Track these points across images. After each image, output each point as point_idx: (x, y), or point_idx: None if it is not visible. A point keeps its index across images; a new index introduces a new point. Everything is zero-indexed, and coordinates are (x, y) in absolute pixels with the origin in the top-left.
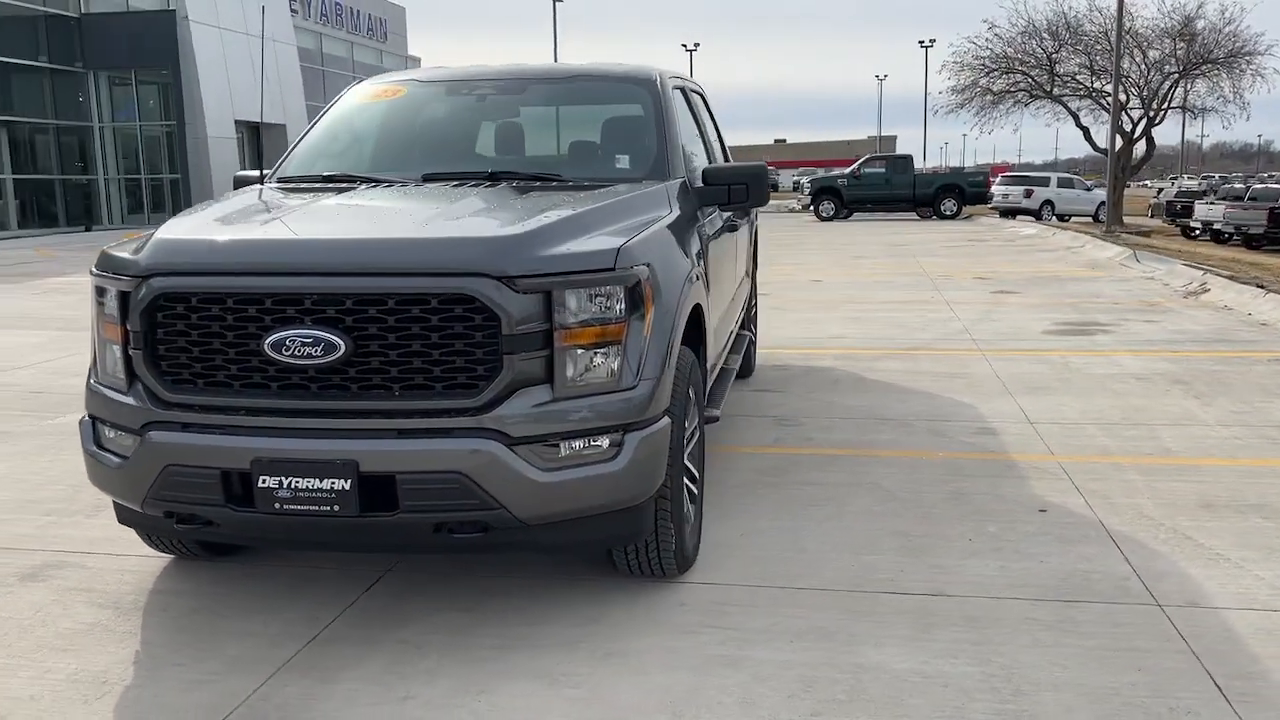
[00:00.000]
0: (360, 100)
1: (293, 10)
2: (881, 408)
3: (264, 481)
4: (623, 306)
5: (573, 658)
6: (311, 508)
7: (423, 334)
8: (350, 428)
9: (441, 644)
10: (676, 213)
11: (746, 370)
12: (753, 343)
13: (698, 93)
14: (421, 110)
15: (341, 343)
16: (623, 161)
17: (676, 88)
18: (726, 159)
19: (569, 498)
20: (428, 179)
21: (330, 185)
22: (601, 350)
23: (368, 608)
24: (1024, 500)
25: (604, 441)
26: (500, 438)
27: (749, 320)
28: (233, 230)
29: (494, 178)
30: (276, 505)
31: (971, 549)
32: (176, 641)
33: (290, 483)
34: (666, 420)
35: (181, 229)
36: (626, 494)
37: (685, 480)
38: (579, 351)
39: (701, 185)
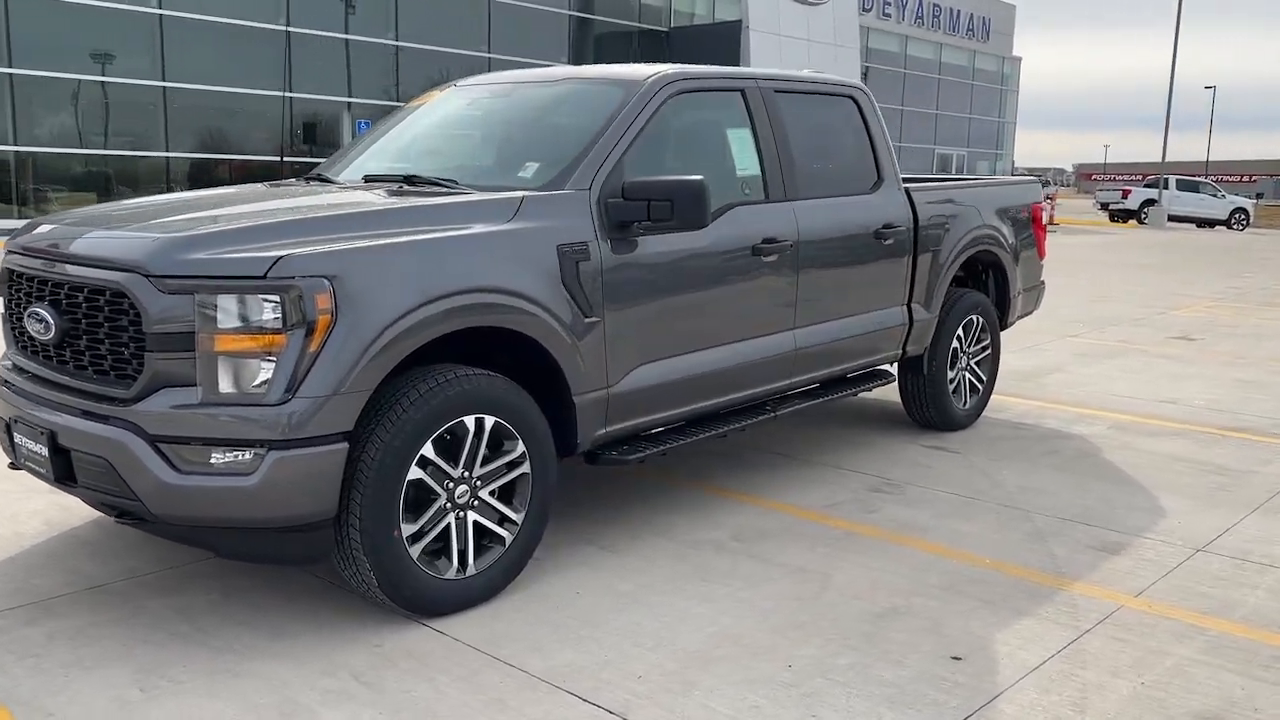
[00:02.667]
0: (414, 103)
1: (884, 14)
2: (1045, 496)
3: (15, 436)
4: (278, 318)
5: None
6: (34, 467)
7: (98, 324)
8: (56, 400)
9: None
10: (506, 227)
11: (948, 419)
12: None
13: (794, 91)
14: (433, 113)
15: (53, 322)
16: (529, 170)
17: (691, 90)
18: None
19: (201, 504)
20: (368, 179)
21: (310, 182)
22: (251, 360)
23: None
24: None
25: (245, 454)
26: (139, 432)
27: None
28: (58, 217)
29: (410, 180)
30: (21, 459)
31: None
32: None
33: (24, 441)
34: (339, 446)
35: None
36: (264, 512)
37: (468, 516)
38: (225, 358)
39: (620, 200)
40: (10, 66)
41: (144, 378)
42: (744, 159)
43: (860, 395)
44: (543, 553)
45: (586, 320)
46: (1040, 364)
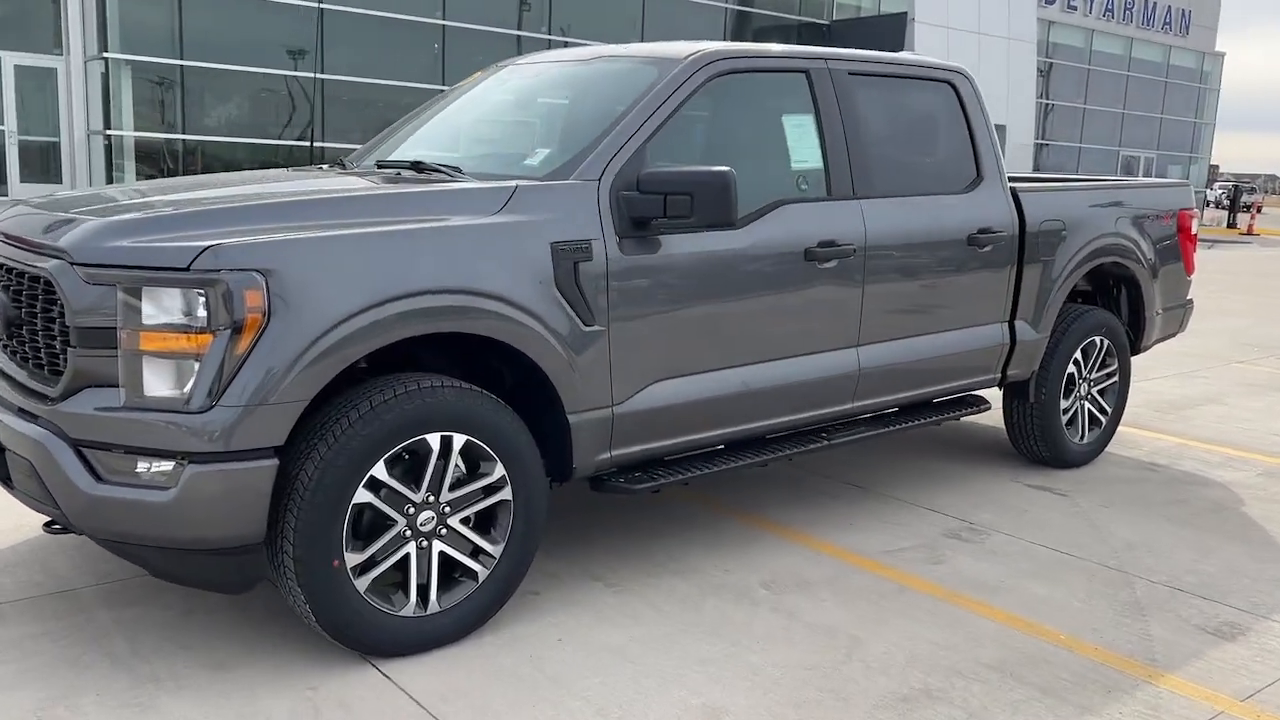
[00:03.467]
0: (460, 84)
1: (1069, 7)
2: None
3: None
4: (204, 315)
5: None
6: None
7: (34, 314)
8: (3, 395)
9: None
10: (489, 220)
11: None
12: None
13: (875, 74)
14: (469, 96)
15: (3, 310)
16: (538, 157)
17: (739, 70)
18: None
19: (118, 519)
20: (380, 165)
21: (326, 168)
22: (174, 362)
23: None
24: None
25: (165, 466)
26: (61, 434)
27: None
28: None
29: (416, 166)
30: None
31: None
32: None
33: None
34: (266, 462)
35: None
36: (182, 532)
37: (433, 546)
38: (149, 358)
39: (635, 193)
40: (181, 59)
41: (67, 376)
42: (803, 150)
43: (966, 421)
44: (542, 583)
45: (586, 329)
46: (1192, 393)
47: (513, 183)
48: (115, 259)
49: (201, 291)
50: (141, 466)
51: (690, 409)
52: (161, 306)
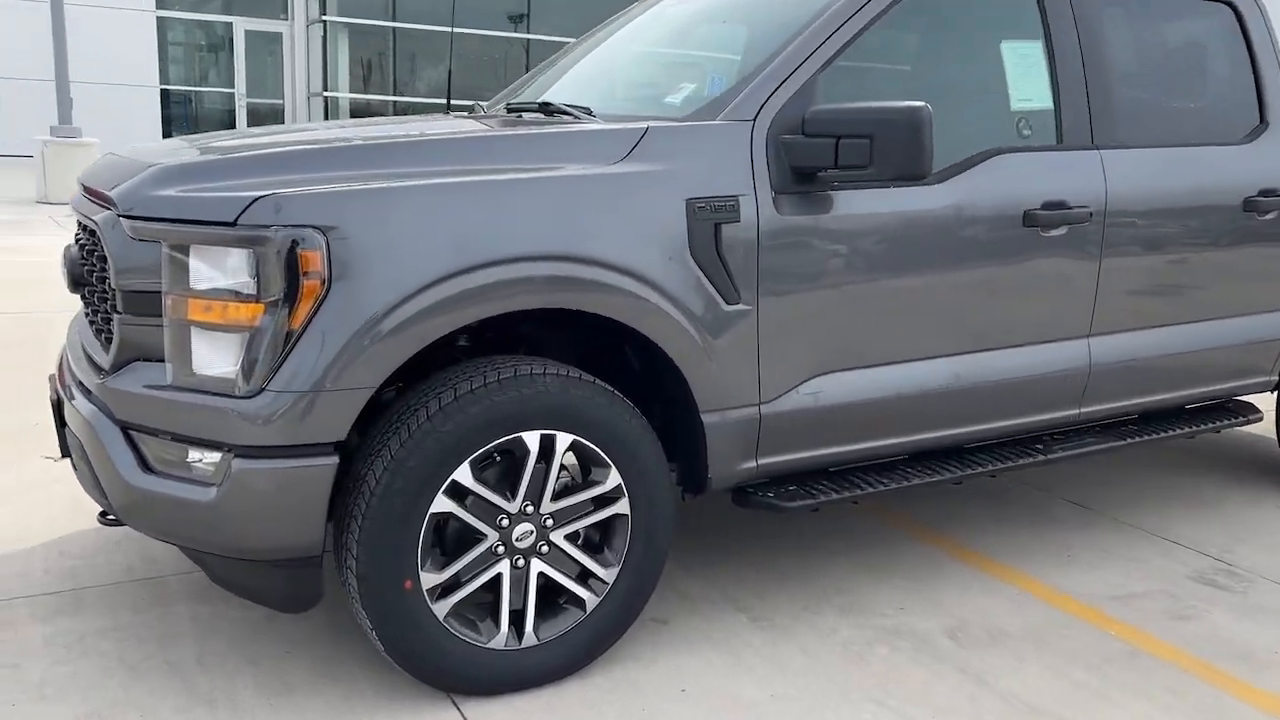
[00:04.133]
0: (618, 16)
1: None
2: None
3: None
4: (251, 280)
5: None
6: None
7: (91, 272)
8: (77, 365)
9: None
10: (610, 169)
11: None
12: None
13: None
14: (625, 27)
15: (67, 266)
16: (680, 94)
17: None
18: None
19: (161, 517)
20: (509, 109)
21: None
22: (223, 335)
23: None
24: None
25: (212, 459)
26: (109, 414)
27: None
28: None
29: (544, 108)
30: None
31: None
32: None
33: None
34: (323, 461)
35: None
36: (224, 538)
37: (531, 566)
38: (195, 329)
39: (799, 137)
40: (394, 20)
41: (115, 346)
42: (1027, 84)
43: (1228, 434)
44: (673, 608)
45: (728, 308)
46: None
47: (644, 124)
48: (160, 210)
49: (249, 251)
50: (193, 457)
51: (861, 411)
52: (208, 268)
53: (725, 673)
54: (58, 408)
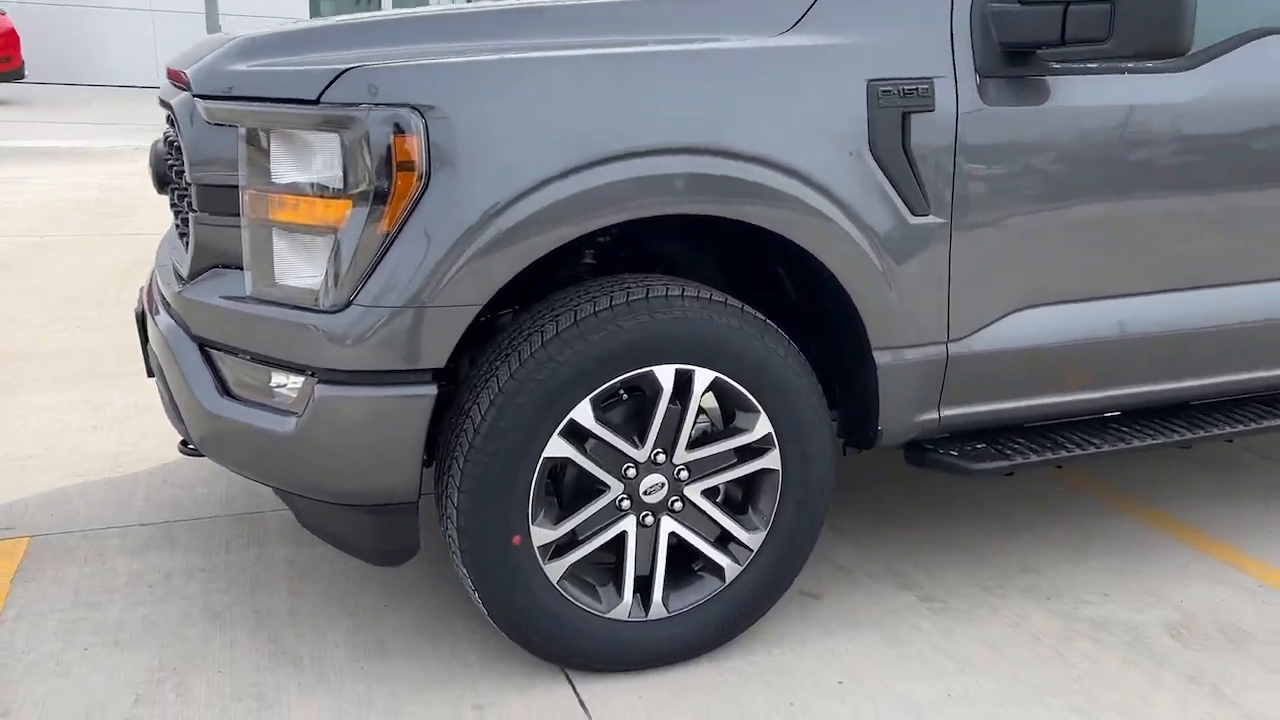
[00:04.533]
0: None
1: None
2: None
3: None
4: (343, 172)
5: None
6: None
7: (170, 166)
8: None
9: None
10: (772, 43)
11: None
12: None
13: None
14: None
15: (156, 163)
16: None
17: None
18: None
19: (236, 449)
20: None
21: None
22: (307, 238)
23: None
24: None
25: (294, 385)
26: (185, 328)
27: None
28: None
29: None
30: None
31: None
32: None
33: None
34: (420, 390)
35: None
36: (305, 476)
37: (661, 524)
38: (276, 231)
39: (1015, 3)
40: None
41: (192, 251)
42: None
43: None
44: (828, 582)
45: (915, 221)
46: None
47: None
48: (235, 86)
49: (334, 134)
50: (276, 382)
51: (1073, 355)
52: (288, 155)
53: (890, 663)
54: (141, 323)
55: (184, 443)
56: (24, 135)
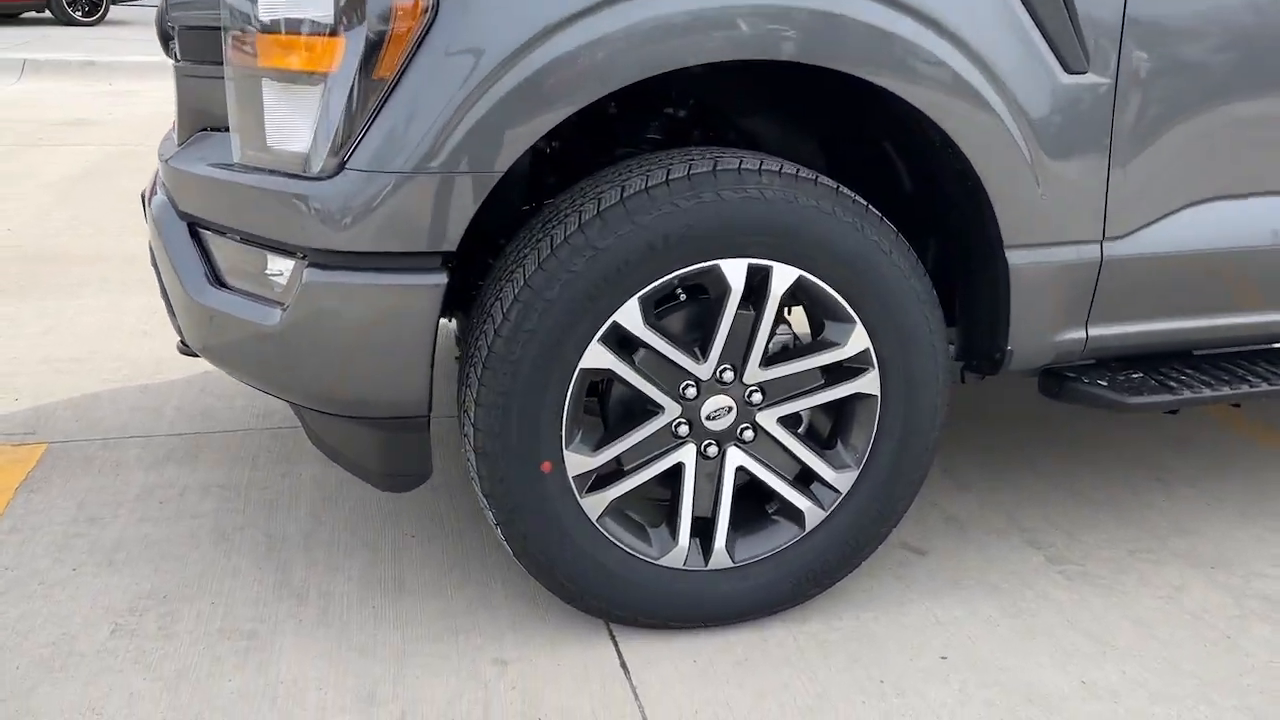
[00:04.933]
0: None
1: None
2: None
3: None
4: (334, 2)
5: None
6: None
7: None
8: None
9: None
10: None
11: None
12: None
13: None
14: None
15: (161, 22)
16: None
17: None
18: None
19: (223, 346)
20: None
21: None
22: (294, 90)
23: None
24: None
25: (283, 270)
26: (174, 204)
27: None
28: None
29: None
30: None
31: None
32: None
33: None
34: (431, 279)
35: None
36: (292, 380)
37: (728, 455)
38: (266, 82)
39: None
40: None
41: (178, 109)
42: None
43: None
44: (934, 534)
45: (1068, 80)
46: None
47: None
48: None
49: None
50: (273, 268)
51: (1265, 263)
52: None
53: (1009, 639)
54: (145, 207)
55: (182, 341)
56: (140, 52)
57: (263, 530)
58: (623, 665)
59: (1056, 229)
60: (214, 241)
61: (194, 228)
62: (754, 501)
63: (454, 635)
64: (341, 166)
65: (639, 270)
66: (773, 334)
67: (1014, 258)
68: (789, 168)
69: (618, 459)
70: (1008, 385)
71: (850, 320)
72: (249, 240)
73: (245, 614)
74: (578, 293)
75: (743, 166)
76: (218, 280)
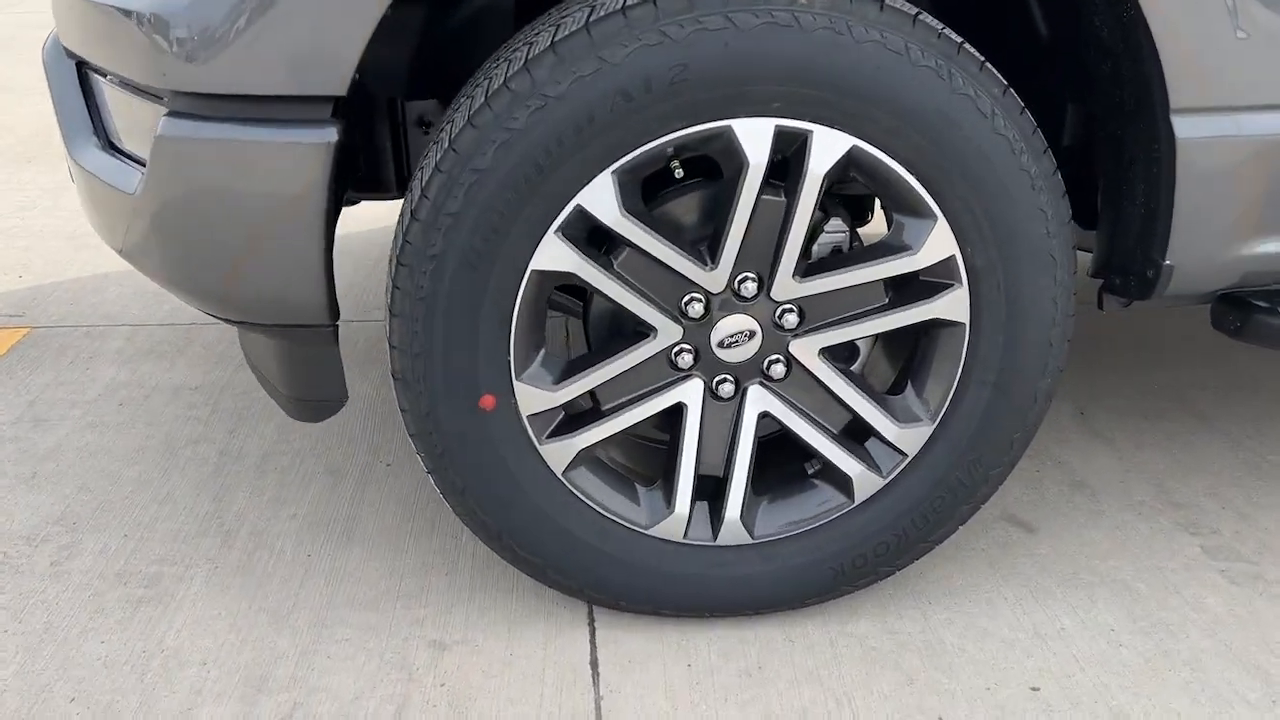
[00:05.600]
0: None
1: None
2: None
3: None
4: None
5: None
6: None
7: None
8: None
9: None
10: None
11: None
12: None
13: None
14: None
15: None
16: None
17: None
18: None
19: (99, 224)
20: None
21: None
22: None
23: None
24: None
25: (149, 121)
26: (60, 42)
27: None
28: None
29: None
30: None
31: None
32: None
33: None
34: (316, 134)
35: None
36: (155, 265)
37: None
38: None
39: None
40: None
41: None
42: None
43: None
44: (1057, 512)
45: None
46: None
47: None
48: None
49: None
50: (142, 117)
51: None
52: None
53: (1138, 671)
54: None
55: None
56: None
57: (218, 446)
58: (593, 663)
59: (1244, 89)
60: (105, 89)
61: (81, 69)
62: (785, 456)
63: (393, 602)
64: None
65: (611, 131)
66: (817, 231)
67: (1182, 128)
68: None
69: (592, 394)
70: (1163, 312)
71: (928, 214)
72: (123, 82)
73: (155, 552)
74: (521, 161)
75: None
76: (106, 138)
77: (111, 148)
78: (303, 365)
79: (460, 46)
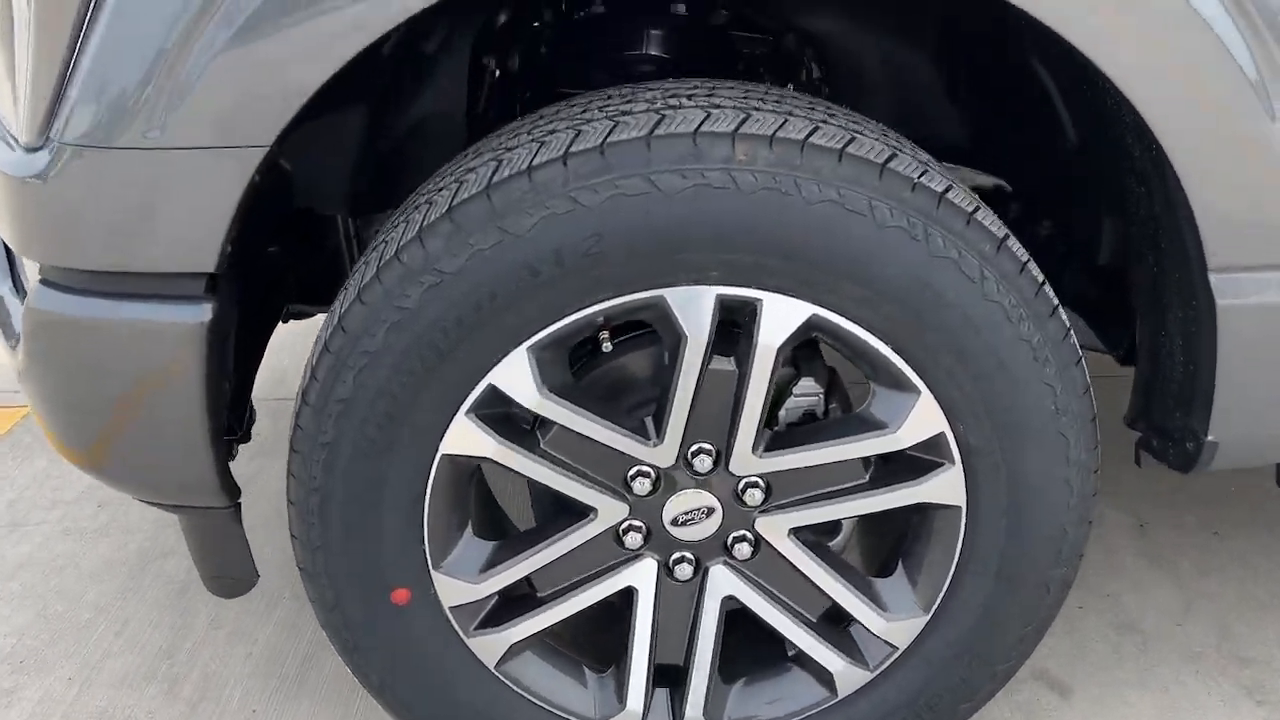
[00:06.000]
0: None
1: None
2: None
3: None
4: None
5: None
6: None
7: None
8: None
9: None
10: None
11: None
12: None
13: None
14: None
15: None
16: None
17: None
18: None
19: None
20: None
21: None
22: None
23: None
24: None
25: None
26: None
27: None
28: None
29: None
30: None
31: None
32: None
33: None
34: (187, 311)
35: None
36: (53, 437)
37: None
38: None
39: None
40: None
41: None
42: None
43: None
44: (1101, 662)
45: None
46: None
47: None
48: None
49: None
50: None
51: None
52: None
53: None
54: None
55: None
56: None
57: (189, 561)
58: None
59: None
60: None
61: None
62: (758, 634)
63: None
64: (45, 139)
65: (521, 308)
66: (785, 393)
67: (1222, 288)
68: (792, 128)
69: (528, 580)
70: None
71: (910, 388)
72: None
73: (96, 702)
74: (415, 343)
75: (703, 128)
76: (14, 281)
77: (17, 292)
78: (210, 543)
79: (404, 159)
